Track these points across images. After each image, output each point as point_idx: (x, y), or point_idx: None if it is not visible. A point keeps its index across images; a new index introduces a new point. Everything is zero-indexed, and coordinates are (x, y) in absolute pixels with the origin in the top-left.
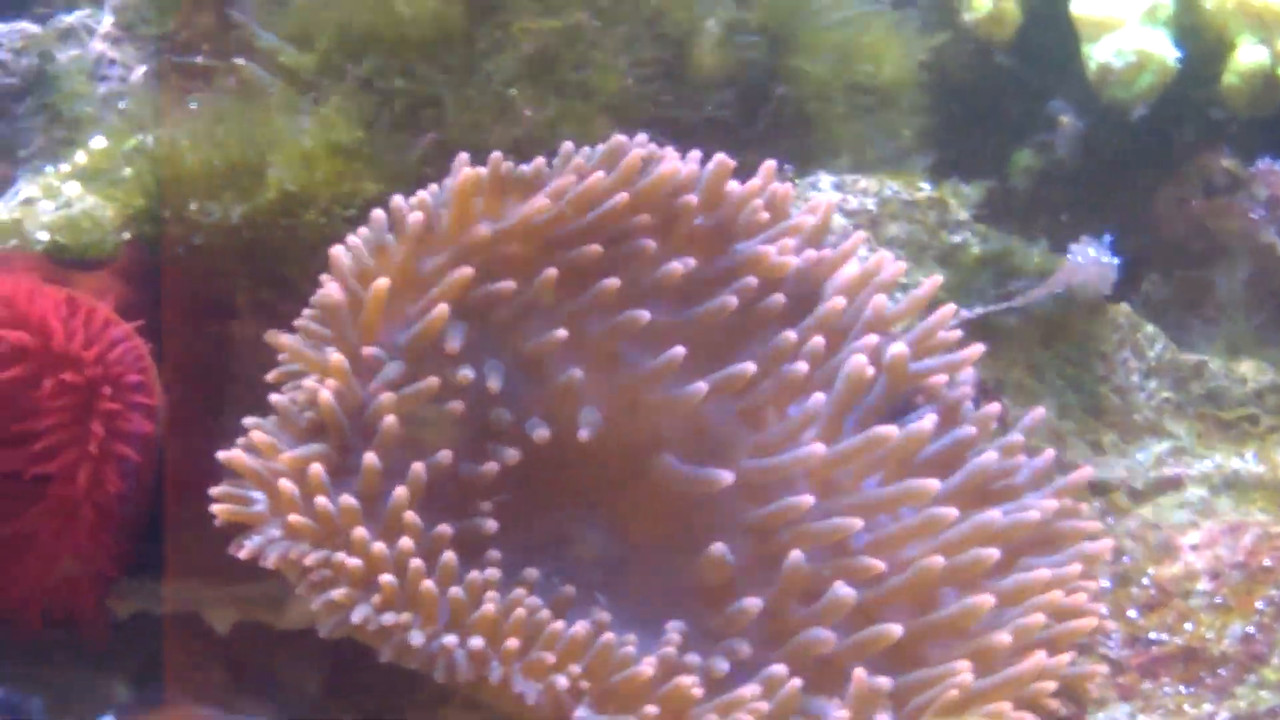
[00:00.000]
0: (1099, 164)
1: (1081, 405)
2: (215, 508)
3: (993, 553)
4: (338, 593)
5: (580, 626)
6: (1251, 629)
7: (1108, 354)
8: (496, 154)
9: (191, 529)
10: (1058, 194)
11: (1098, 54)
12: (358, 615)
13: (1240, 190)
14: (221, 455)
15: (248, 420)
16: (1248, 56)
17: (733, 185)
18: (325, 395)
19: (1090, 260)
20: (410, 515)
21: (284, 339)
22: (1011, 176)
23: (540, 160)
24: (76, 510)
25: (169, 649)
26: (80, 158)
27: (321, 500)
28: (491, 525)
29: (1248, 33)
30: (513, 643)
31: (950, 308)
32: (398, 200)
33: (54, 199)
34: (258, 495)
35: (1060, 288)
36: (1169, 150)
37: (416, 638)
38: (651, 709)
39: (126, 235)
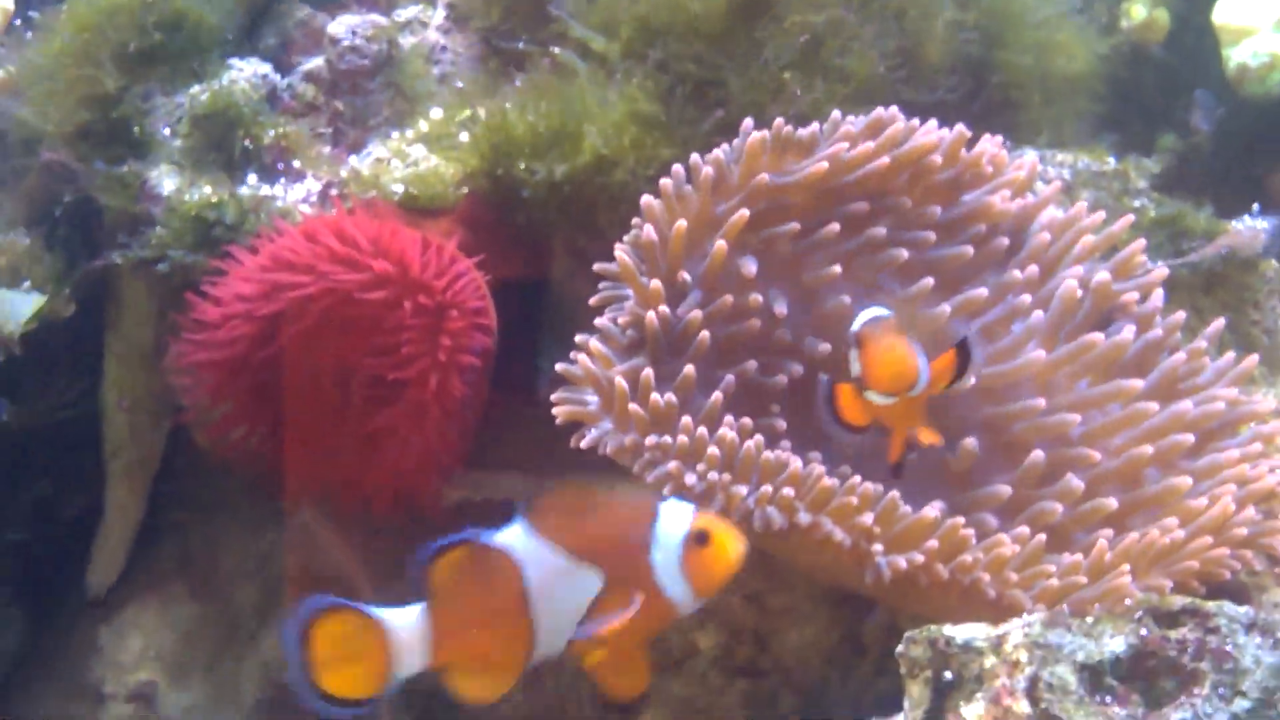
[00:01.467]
0: (1234, 148)
1: (1236, 342)
2: (556, 410)
3: (1188, 438)
4: (671, 465)
5: (868, 485)
6: None
7: (1259, 301)
8: (779, 120)
9: (516, 431)
10: (1197, 170)
11: (1236, 55)
12: (690, 480)
13: None
14: (560, 367)
15: (579, 337)
16: None
17: (964, 149)
18: (650, 316)
19: (1247, 227)
20: (728, 417)
21: (618, 262)
22: (1156, 153)
23: (815, 126)
24: (426, 409)
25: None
26: (423, 126)
27: (655, 396)
28: (783, 425)
29: None
30: (823, 493)
31: (1141, 241)
32: (695, 158)
33: (403, 159)
34: (591, 397)
35: (1224, 249)
36: None
37: (739, 489)
38: (933, 543)
39: (464, 189)
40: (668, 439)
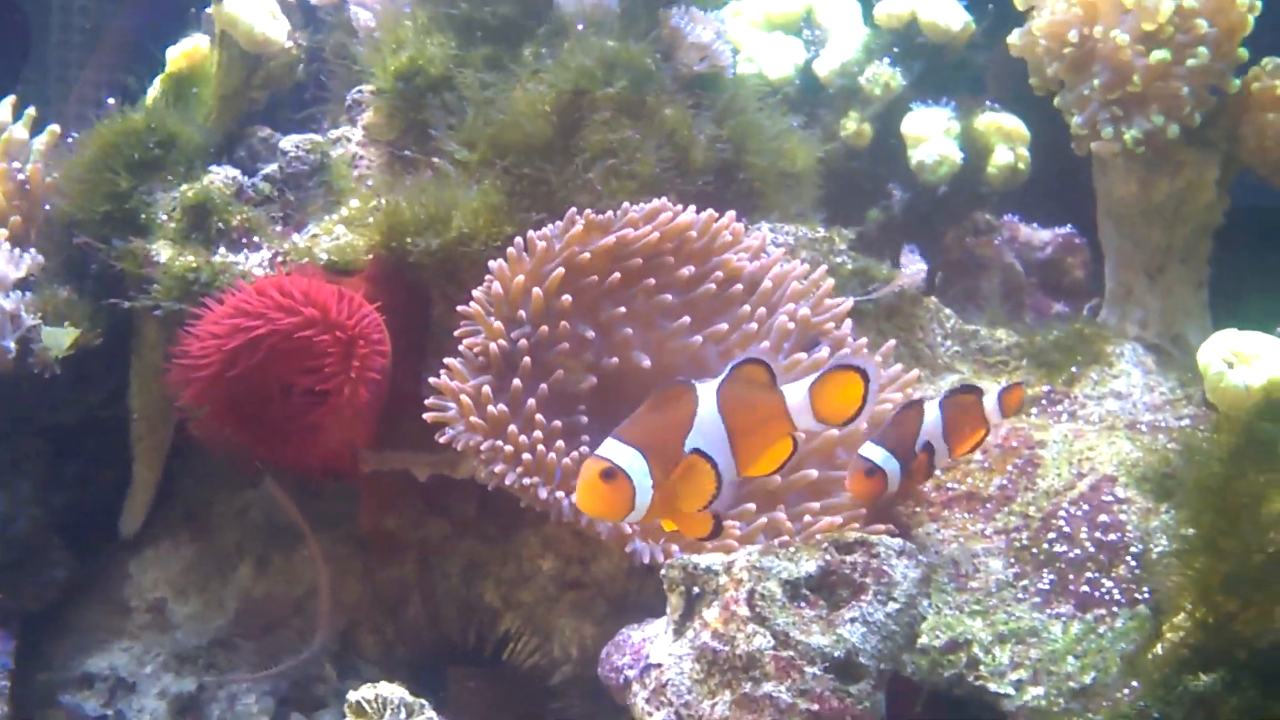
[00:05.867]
0: (916, 218)
1: (909, 354)
2: (427, 414)
3: (863, 426)
4: (499, 467)
5: None
6: (1005, 482)
7: (924, 325)
8: (589, 211)
9: (406, 423)
10: (893, 235)
11: (916, 155)
12: (509, 479)
13: (992, 233)
14: (432, 380)
15: (446, 360)
16: (1001, 157)
17: (713, 225)
18: (493, 346)
19: (914, 271)
20: (539, 418)
21: (474, 308)
22: (866, 224)
23: (611, 213)
24: (343, 410)
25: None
26: (344, 212)
27: (491, 409)
28: (584, 420)
29: (1001, 142)
30: None
31: (830, 283)
32: (531, 233)
33: (330, 235)
34: (451, 404)
35: (899, 287)
36: (956, 210)
37: (543, 493)
38: (674, 546)
39: (370, 256)
40: (498, 443)
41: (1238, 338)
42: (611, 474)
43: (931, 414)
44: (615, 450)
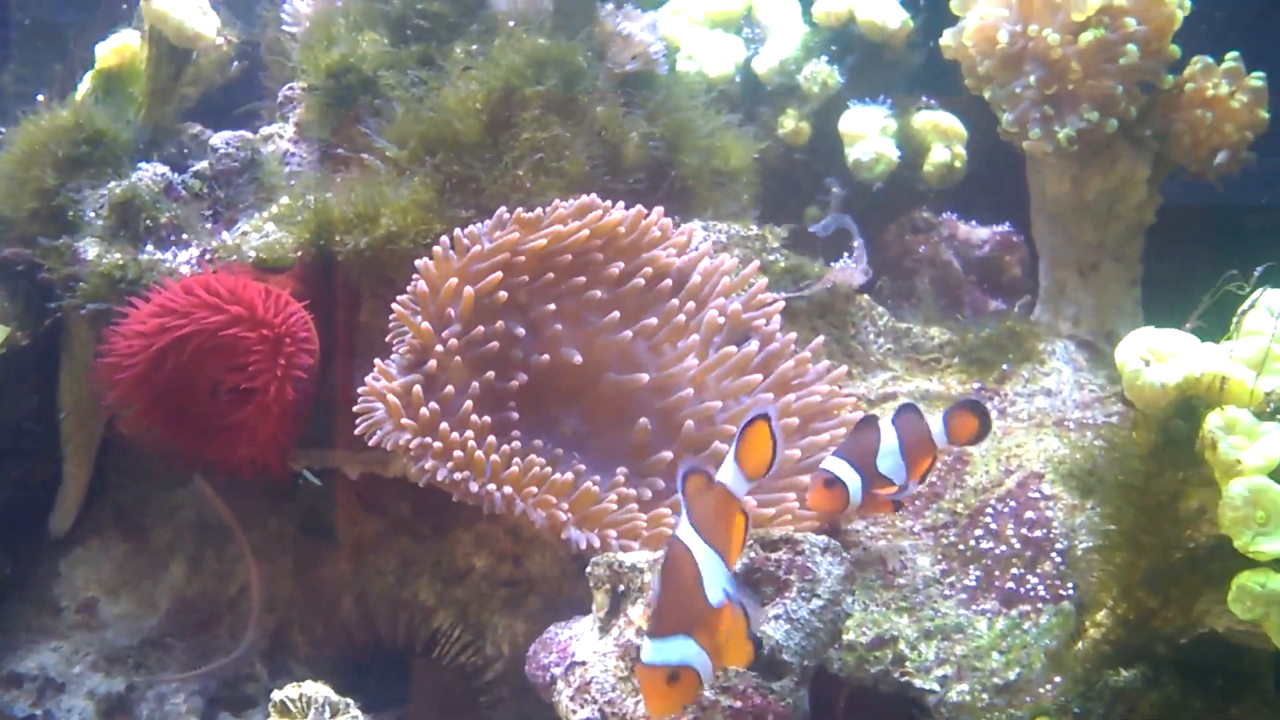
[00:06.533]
0: (854, 215)
1: (840, 351)
2: (356, 417)
3: (794, 421)
4: (429, 463)
5: (567, 475)
6: (934, 479)
7: (856, 322)
8: (519, 209)
9: (335, 422)
10: (833, 233)
11: (853, 153)
12: (440, 475)
13: (931, 230)
14: (360, 389)
15: (376, 361)
16: (937, 155)
17: (642, 221)
18: (419, 343)
19: (846, 267)
20: (474, 418)
21: (400, 310)
22: (805, 221)
23: (540, 210)
24: (269, 408)
25: (323, 488)
26: (274, 209)
27: (422, 409)
28: (515, 416)
29: (938, 141)
30: (530, 489)
31: (764, 281)
32: (458, 232)
33: (259, 233)
34: (379, 406)
35: (830, 284)
36: (893, 207)
37: (474, 486)
38: (611, 532)
39: (298, 254)
40: (428, 440)
41: (1154, 336)
42: (675, 676)
43: (888, 432)
44: (666, 650)
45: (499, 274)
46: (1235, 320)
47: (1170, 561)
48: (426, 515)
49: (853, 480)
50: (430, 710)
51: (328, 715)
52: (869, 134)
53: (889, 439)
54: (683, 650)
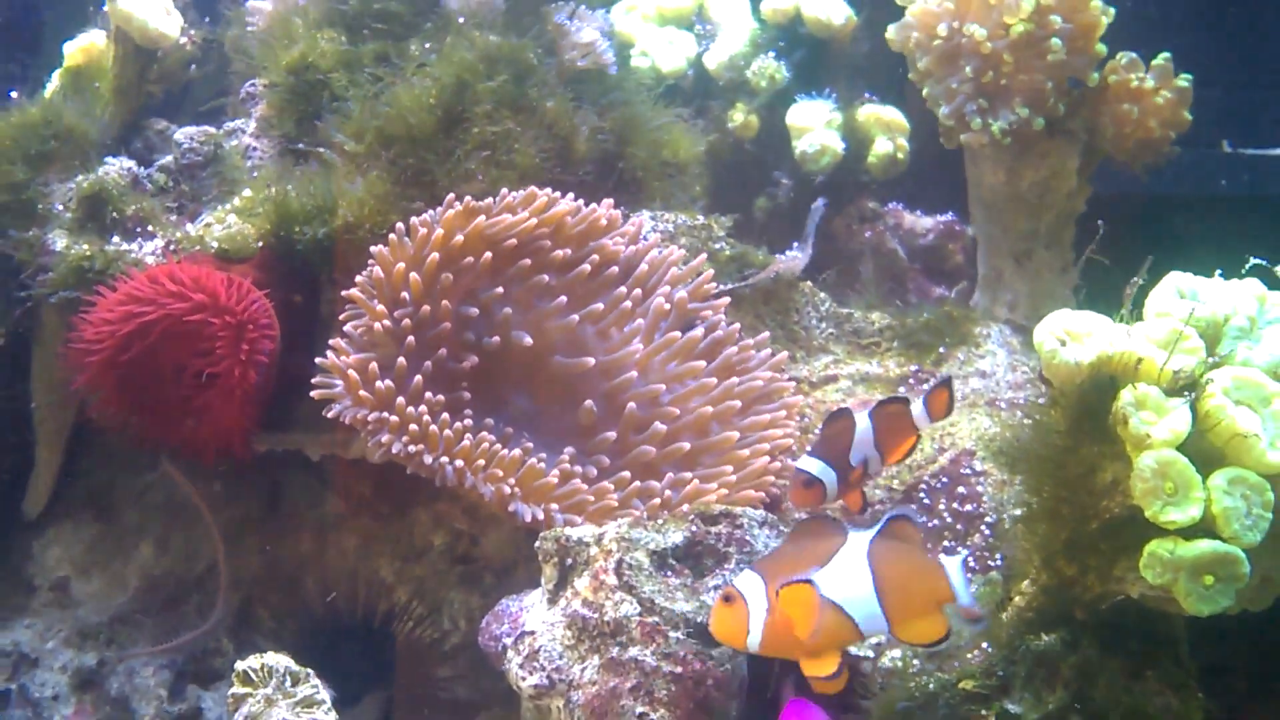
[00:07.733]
0: (801, 205)
1: (784, 336)
2: (314, 391)
3: (736, 403)
4: (385, 437)
5: (515, 452)
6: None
7: (799, 309)
8: (468, 197)
9: (296, 403)
10: (780, 222)
11: (800, 145)
12: (396, 448)
13: (876, 220)
14: (320, 360)
15: (332, 340)
16: (880, 147)
17: (591, 212)
18: (376, 326)
19: (789, 257)
20: (428, 395)
21: (355, 294)
22: (755, 212)
23: (490, 199)
24: (233, 392)
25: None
26: (237, 202)
27: (378, 384)
28: (467, 396)
29: (881, 133)
30: (479, 463)
31: (710, 273)
32: (413, 220)
33: (222, 224)
34: (337, 382)
35: (774, 273)
36: (838, 197)
37: (428, 459)
38: (554, 506)
39: (260, 244)
40: (384, 414)
41: (1070, 317)
42: (731, 598)
43: (863, 424)
44: (740, 578)
45: (437, 255)
46: (1125, 296)
47: (1087, 531)
48: (387, 495)
49: (828, 476)
50: (390, 679)
51: (288, 684)
52: (815, 127)
53: (863, 429)
54: (748, 584)
